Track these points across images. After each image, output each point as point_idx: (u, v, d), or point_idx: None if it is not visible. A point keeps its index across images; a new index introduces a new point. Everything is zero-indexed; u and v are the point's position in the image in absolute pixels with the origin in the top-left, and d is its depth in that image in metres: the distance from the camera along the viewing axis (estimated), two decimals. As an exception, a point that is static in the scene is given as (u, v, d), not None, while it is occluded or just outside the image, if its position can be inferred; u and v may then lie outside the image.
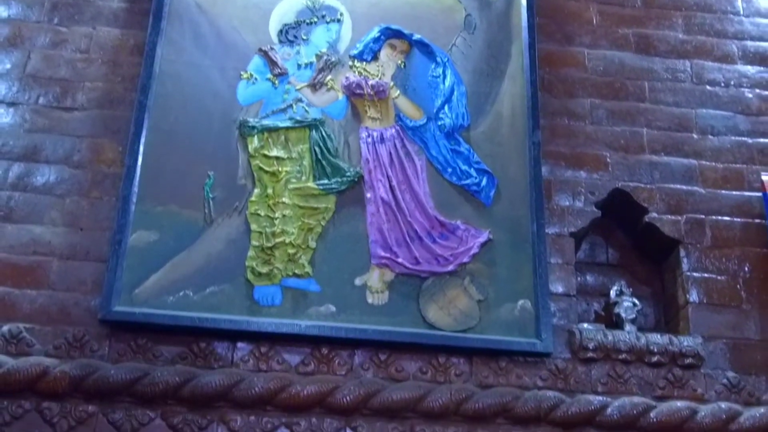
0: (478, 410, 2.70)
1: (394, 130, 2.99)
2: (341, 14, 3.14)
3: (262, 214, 2.82)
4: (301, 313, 2.75)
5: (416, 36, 3.13)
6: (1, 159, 2.88)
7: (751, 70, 3.36)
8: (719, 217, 3.09)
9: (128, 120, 2.89)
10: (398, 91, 3.03)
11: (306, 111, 2.96)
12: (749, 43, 3.41)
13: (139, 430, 2.59)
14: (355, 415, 2.67)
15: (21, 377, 2.56)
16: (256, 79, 2.99)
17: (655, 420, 2.75)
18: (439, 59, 3.11)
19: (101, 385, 2.58)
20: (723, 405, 2.80)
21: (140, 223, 2.74)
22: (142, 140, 2.84)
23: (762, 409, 2.81)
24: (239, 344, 2.72)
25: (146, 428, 2.60)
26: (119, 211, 2.75)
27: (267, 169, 2.86)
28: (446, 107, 3.04)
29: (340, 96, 3.01)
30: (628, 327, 2.94)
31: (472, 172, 2.97)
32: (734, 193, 3.13)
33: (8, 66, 2.98)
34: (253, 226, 2.81)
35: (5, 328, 2.63)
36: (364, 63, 3.07)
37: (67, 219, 2.80)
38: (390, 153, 2.95)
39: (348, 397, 2.65)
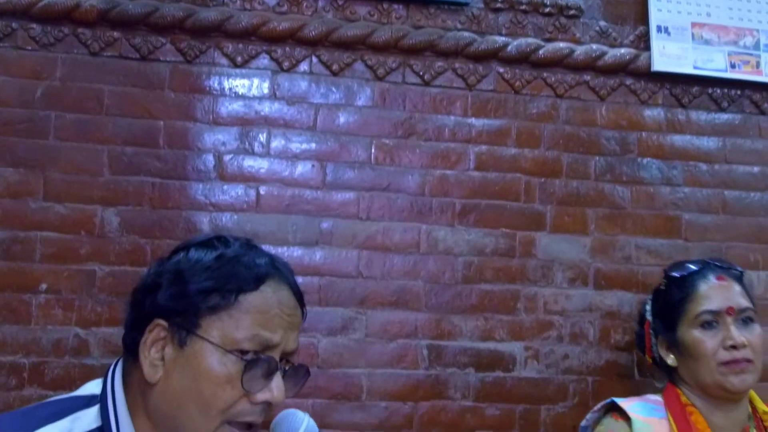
0: (412, 45, 3.10)
1: None
2: None
3: None
4: (277, -35, 3.09)
5: None
6: None
7: None
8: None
9: None
10: None
11: None
12: None
13: (153, 52, 2.99)
14: (318, 46, 3.06)
15: (59, 8, 2.91)
16: None
17: (542, 55, 3.18)
18: None
19: (123, 16, 2.93)
20: (594, 46, 3.23)
21: None
22: None
23: (622, 50, 3.24)
24: (229, -12, 3.07)
25: (159, 51, 3.00)
26: None
27: None
28: None
29: None
30: None
31: None
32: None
33: None
34: None
35: None
36: None
37: None
38: None
39: (313, 32, 3.03)
